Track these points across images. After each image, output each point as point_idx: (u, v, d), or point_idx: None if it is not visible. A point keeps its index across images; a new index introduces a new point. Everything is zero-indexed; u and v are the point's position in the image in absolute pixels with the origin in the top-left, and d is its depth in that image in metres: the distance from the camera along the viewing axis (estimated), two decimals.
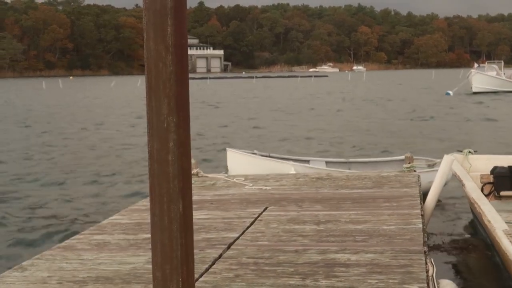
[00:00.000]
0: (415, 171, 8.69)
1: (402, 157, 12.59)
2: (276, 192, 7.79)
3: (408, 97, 49.80)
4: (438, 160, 11.32)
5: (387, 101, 45.50)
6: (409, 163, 8.75)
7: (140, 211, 6.86)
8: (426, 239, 5.46)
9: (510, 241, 4.65)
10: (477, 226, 7.66)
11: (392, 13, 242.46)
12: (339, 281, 4.23)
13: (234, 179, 8.62)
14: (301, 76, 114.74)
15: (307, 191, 7.77)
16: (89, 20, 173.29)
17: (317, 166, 11.74)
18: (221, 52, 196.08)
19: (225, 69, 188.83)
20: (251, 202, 7.19)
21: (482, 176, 8.74)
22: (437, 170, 9.82)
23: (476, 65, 56.89)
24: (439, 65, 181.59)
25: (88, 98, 55.71)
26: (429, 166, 11.58)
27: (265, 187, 8.04)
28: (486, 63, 60.08)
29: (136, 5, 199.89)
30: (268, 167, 10.67)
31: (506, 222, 7.70)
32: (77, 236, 6.08)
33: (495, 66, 58.40)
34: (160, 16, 1.54)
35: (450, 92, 49.48)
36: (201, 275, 4.45)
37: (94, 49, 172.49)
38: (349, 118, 32.18)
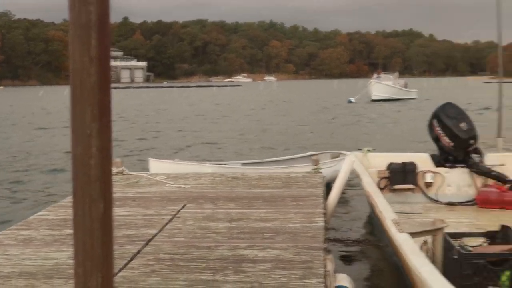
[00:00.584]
0: (320, 172, 8.72)
1: (310, 153, 12.77)
2: (194, 190, 7.64)
3: (315, 103, 50.80)
4: (343, 152, 11.45)
5: (296, 107, 46.33)
6: (316, 165, 8.78)
7: (66, 207, 6.55)
8: (327, 236, 5.47)
9: (397, 229, 4.64)
10: (373, 218, 7.69)
11: (300, 29, 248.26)
12: (247, 276, 4.15)
13: (157, 178, 8.42)
14: (218, 86, 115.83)
15: (222, 190, 7.65)
16: (19, 33, 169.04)
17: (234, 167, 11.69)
18: (144, 63, 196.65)
19: (147, 79, 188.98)
20: (171, 200, 7.00)
21: (379, 172, 8.86)
22: (340, 161, 9.90)
23: (375, 75, 58.77)
24: (341, 75, 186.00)
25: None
26: (334, 157, 11.69)
27: (184, 186, 7.87)
28: (382, 73, 62.05)
29: (64, 19, 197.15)
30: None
31: (399, 212, 7.81)
32: (3, 232, 5.77)
33: (390, 76, 60.97)
34: (85, 30, 1.39)
35: (352, 99, 50.86)
36: (119, 270, 4.27)
37: (24, 61, 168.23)
38: (263, 121, 32.45)
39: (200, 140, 23.18)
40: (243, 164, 12.27)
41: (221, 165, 12.08)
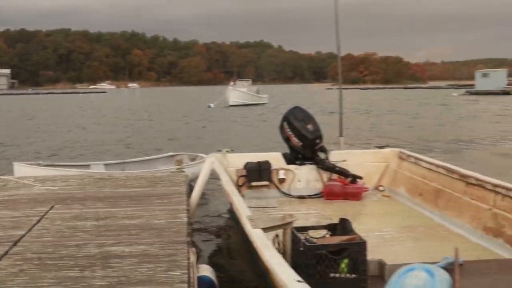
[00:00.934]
0: (184, 171, 8.77)
1: (171, 153, 12.73)
2: (62, 192, 7.36)
3: (178, 108, 50.94)
4: (200, 154, 11.50)
5: (160, 111, 46.20)
6: (179, 165, 8.83)
7: None
8: (190, 230, 5.48)
9: (251, 225, 4.79)
10: (233, 214, 7.83)
11: (161, 38, 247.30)
12: (114, 271, 4.08)
13: (24, 181, 8.07)
14: (83, 92, 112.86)
15: (90, 191, 7.44)
16: None
17: (97, 169, 11.39)
18: (7, 71, 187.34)
19: (12, 86, 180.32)
20: (39, 202, 6.69)
21: (237, 171, 9.01)
22: (199, 163, 9.97)
23: (231, 83, 59.76)
24: (200, 83, 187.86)
25: None
26: (191, 160, 11.71)
27: (52, 188, 7.60)
28: (237, 81, 63.26)
29: None
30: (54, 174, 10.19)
31: (256, 207, 8.03)
32: None
33: (245, 83, 62.48)
34: None
35: (212, 105, 51.33)
36: None
37: None
38: (129, 124, 32.08)
39: (66, 143, 22.45)
40: (106, 164, 11.98)
41: (84, 166, 11.70)
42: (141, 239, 4.98)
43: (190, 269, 4.24)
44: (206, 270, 5.19)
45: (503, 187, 6.47)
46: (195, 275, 4.66)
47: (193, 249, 5.01)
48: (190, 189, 7.36)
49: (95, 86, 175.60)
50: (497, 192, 6.53)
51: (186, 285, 3.84)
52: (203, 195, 9.40)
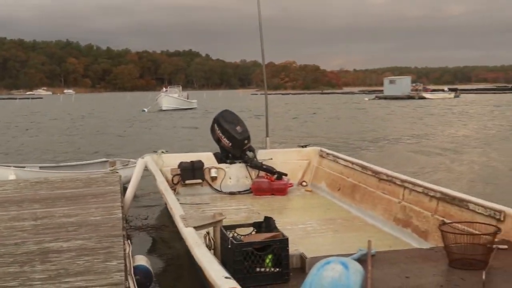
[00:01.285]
0: (117, 172, 8.69)
1: (104, 159, 12.48)
2: None
3: (114, 113, 50.00)
4: (132, 160, 11.34)
5: (97, 116, 45.33)
6: (113, 167, 8.74)
7: None
8: (125, 225, 5.51)
9: (184, 224, 4.82)
10: (167, 212, 7.82)
11: (95, 47, 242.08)
12: (53, 265, 4.05)
13: None
14: (20, 98, 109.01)
15: (27, 194, 7.23)
16: None
17: (32, 170, 10.98)
18: None
19: None
20: None
21: (172, 170, 8.99)
22: (132, 167, 9.86)
23: (164, 89, 59.51)
24: (133, 89, 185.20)
25: None
26: (124, 165, 11.49)
27: None
28: (169, 87, 62.91)
29: None
30: None
31: (190, 203, 8.05)
32: None
33: (176, 89, 62.00)
34: None
35: (146, 109, 50.86)
36: None
37: None
38: (65, 128, 31.20)
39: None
40: (41, 167, 11.60)
41: (19, 168, 11.24)
42: (79, 234, 4.94)
43: (126, 259, 4.26)
44: (141, 260, 5.19)
45: (410, 182, 6.72)
46: (131, 264, 4.66)
47: (129, 241, 5.02)
48: (124, 190, 7.30)
49: (31, 92, 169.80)
50: (405, 187, 6.77)
51: (123, 273, 3.86)
52: (140, 194, 9.39)
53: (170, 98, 54.39)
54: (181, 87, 67.90)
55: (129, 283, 3.95)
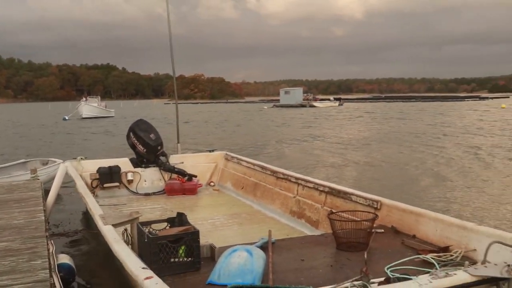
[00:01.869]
0: (38, 179, 8.30)
1: (23, 160, 11.88)
2: None
3: (38, 122, 47.68)
4: (52, 159, 10.87)
5: (19, 124, 43.10)
6: (34, 173, 8.34)
7: None
8: (48, 227, 5.34)
9: (103, 222, 4.71)
10: (88, 213, 7.58)
11: (16, 60, 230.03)
12: None
13: None
14: None
15: None
16: None
17: None
18: None
19: None
20: None
21: (91, 175, 8.75)
22: (52, 166, 9.48)
23: (83, 99, 57.64)
24: (54, 99, 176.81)
25: None
26: (44, 164, 11.02)
27: None
28: (88, 97, 61.14)
29: None
30: None
31: (109, 204, 7.84)
32: None
33: (95, 99, 60.24)
34: None
35: (67, 117, 49.09)
36: None
37: None
38: None
39: None
40: None
41: None
42: (3, 237, 4.74)
43: (50, 258, 4.15)
44: (65, 258, 5.06)
45: (302, 179, 6.94)
46: (55, 262, 4.55)
47: (52, 241, 4.87)
48: (47, 192, 7.01)
49: None
50: (299, 184, 6.98)
51: (48, 271, 3.77)
52: (62, 198, 9.02)
53: (89, 106, 52.86)
54: (99, 97, 66.12)
55: (53, 280, 3.86)
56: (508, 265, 3.04)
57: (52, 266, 4.10)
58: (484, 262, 3.34)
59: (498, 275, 3.06)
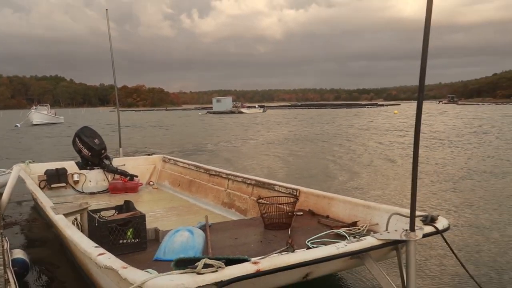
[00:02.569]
0: None
1: None
2: None
3: None
4: (1, 169, 10.18)
5: None
6: None
7: None
8: (2, 224, 5.08)
9: (55, 212, 4.51)
10: (38, 209, 7.19)
11: None
12: None
13: None
14: None
15: None
16: None
17: None
18: None
19: None
20: None
21: (39, 177, 8.33)
22: (2, 175, 8.91)
23: (34, 107, 54.77)
24: (5, 107, 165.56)
25: None
26: None
27: None
28: (39, 106, 58.30)
29: None
30: None
31: (56, 203, 7.44)
32: None
33: (45, 107, 57.47)
34: None
35: (18, 124, 46.16)
36: None
37: None
38: None
39: None
40: None
41: None
42: None
43: (4, 254, 3.93)
44: (19, 253, 4.72)
45: (232, 175, 6.98)
46: (10, 258, 4.26)
47: (6, 238, 4.56)
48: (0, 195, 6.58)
49: None
50: (229, 179, 7.01)
51: (2, 267, 3.59)
52: (15, 199, 8.45)
53: (40, 114, 49.85)
54: (49, 106, 63.15)
55: (7, 275, 3.64)
56: (406, 230, 3.19)
57: (7, 262, 3.87)
58: (386, 230, 3.48)
59: (398, 238, 3.20)
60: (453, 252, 3.60)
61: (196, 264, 2.52)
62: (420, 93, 2.99)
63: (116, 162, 9.20)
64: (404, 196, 8.55)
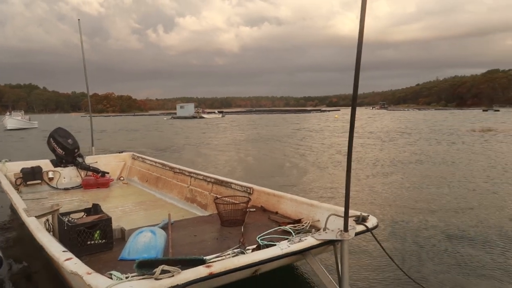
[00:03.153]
0: None
1: None
2: None
3: None
4: None
5: None
6: None
7: None
8: None
9: (27, 215, 4.33)
10: (13, 208, 6.89)
11: None
12: None
13: None
14: None
15: None
16: None
17: None
18: None
19: None
20: None
21: (15, 175, 7.98)
22: None
23: (8, 113, 52.43)
24: None
25: None
26: None
27: None
28: (13, 112, 55.82)
29: None
30: None
31: (32, 199, 7.19)
32: None
33: (19, 113, 55.35)
34: None
35: None
36: None
37: None
38: None
39: None
40: None
41: None
42: None
43: None
44: None
45: (194, 173, 6.91)
46: None
47: None
48: None
49: None
50: (191, 176, 6.94)
51: None
52: None
53: (14, 119, 47.81)
54: (23, 111, 60.70)
55: None
56: (341, 230, 3.26)
57: None
58: (324, 229, 3.55)
59: (334, 238, 3.27)
60: (382, 247, 3.71)
61: (154, 270, 2.50)
62: (354, 99, 3.02)
63: (89, 159, 8.96)
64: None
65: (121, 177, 9.14)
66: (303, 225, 4.25)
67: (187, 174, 7.07)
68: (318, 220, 4.32)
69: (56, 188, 8.23)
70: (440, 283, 4.17)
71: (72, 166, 8.63)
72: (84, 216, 4.42)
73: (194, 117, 75.56)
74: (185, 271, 2.59)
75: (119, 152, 9.89)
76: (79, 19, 9.49)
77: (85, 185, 8.32)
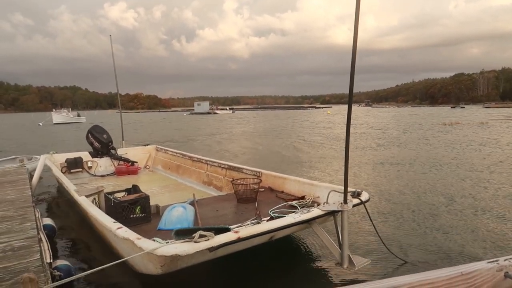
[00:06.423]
0: (25, 166, 7.31)
1: (13, 156, 10.38)
2: None
3: (20, 126, 41.50)
4: (35, 156, 9.64)
5: (11, 128, 37.37)
6: (21, 163, 7.36)
7: None
8: (34, 199, 4.78)
9: (78, 194, 4.29)
10: (62, 189, 6.83)
11: (5, 83, 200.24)
12: None
13: None
14: None
15: None
16: None
17: None
18: None
19: None
20: None
21: (61, 164, 7.90)
22: (34, 160, 8.44)
23: (54, 110, 52.29)
24: (36, 110, 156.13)
25: None
26: (29, 159, 9.69)
27: None
28: (62, 109, 55.84)
29: None
30: None
31: (76, 183, 7.12)
32: None
33: (65, 110, 54.78)
34: None
35: (40, 123, 43.71)
36: None
37: None
38: None
39: None
40: None
41: None
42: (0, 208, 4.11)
43: (37, 221, 3.71)
44: (48, 220, 4.48)
45: (210, 161, 6.84)
46: (41, 224, 4.05)
47: (37, 209, 4.33)
48: (31, 176, 6.22)
49: None
50: (208, 164, 6.87)
51: (36, 230, 3.39)
52: (43, 181, 8.00)
53: (59, 115, 47.26)
54: (70, 108, 60.51)
55: (40, 236, 3.43)
56: (340, 202, 3.24)
57: (39, 226, 3.65)
58: (326, 202, 3.53)
59: (336, 209, 3.26)
60: (370, 219, 3.71)
61: (193, 235, 2.47)
62: (350, 97, 3.03)
63: (121, 151, 8.86)
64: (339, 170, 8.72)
65: (147, 165, 9.06)
66: (306, 201, 4.23)
67: (204, 162, 7.01)
68: (318, 197, 4.30)
69: (94, 175, 8.14)
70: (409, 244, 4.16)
71: (107, 157, 8.53)
72: (125, 195, 4.39)
73: (208, 113, 75.09)
74: (217, 236, 2.56)
75: (145, 145, 9.83)
76: (110, 35, 9.41)
77: (118, 173, 8.24)
